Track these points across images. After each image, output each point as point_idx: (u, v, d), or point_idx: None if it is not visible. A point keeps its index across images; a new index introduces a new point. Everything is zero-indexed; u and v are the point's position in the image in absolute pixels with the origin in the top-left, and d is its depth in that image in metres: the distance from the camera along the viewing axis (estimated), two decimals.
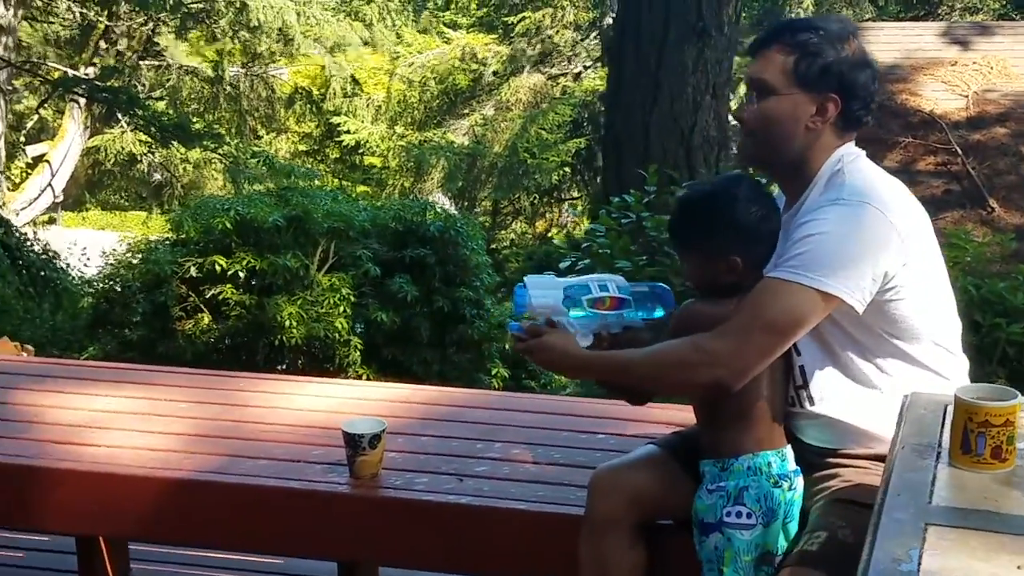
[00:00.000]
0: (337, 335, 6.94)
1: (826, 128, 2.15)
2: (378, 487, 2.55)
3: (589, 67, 19.54)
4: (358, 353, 7.05)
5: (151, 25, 18.25)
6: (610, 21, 19.49)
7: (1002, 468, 1.66)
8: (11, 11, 15.97)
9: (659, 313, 2.29)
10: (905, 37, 9.78)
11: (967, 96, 8.54)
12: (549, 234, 19.27)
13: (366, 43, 21.56)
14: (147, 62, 18.81)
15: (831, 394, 2.15)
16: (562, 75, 19.63)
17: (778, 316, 2.03)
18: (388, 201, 11.47)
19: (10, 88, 17.32)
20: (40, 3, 17.19)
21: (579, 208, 19.80)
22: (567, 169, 18.63)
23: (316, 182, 8.51)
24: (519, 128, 17.80)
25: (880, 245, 2.03)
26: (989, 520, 1.51)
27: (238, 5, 18.62)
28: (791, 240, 2.08)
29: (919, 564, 1.37)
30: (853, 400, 2.15)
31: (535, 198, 19.11)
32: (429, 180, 18.40)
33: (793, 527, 2.17)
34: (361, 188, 19.81)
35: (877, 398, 2.13)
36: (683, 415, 2.59)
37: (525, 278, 2.27)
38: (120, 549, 3.15)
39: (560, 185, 19.45)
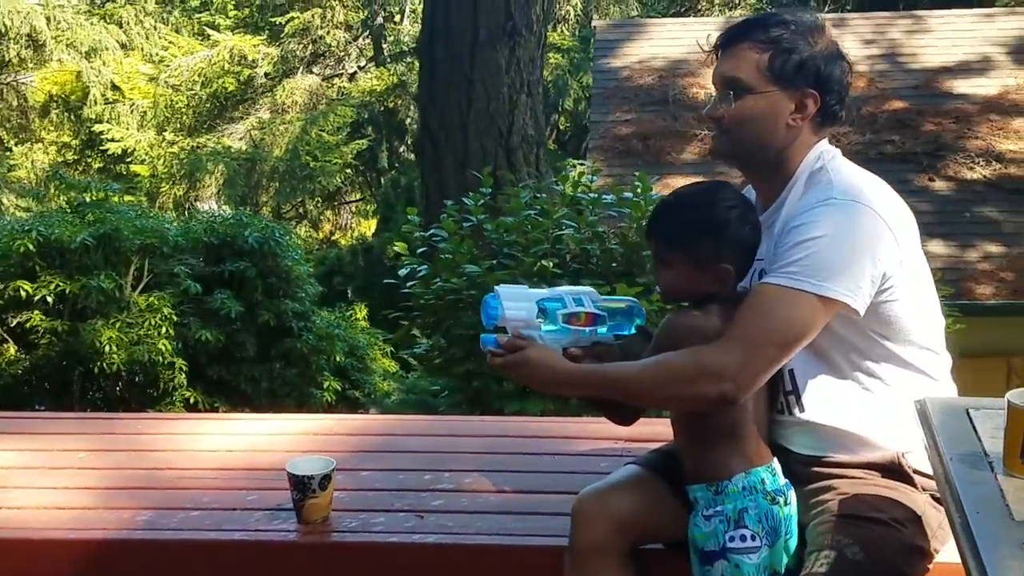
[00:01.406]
0: (160, 359, 6.53)
1: (805, 125, 2.10)
2: (332, 531, 2.38)
3: (363, 67, 19.34)
4: (183, 376, 6.65)
5: None
6: (380, 21, 19.38)
7: None
8: None
9: (630, 330, 2.20)
10: (688, 33, 10.14)
11: None
12: (334, 237, 18.97)
13: (124, 47, 20.58)
14: None
15: (821, 399, 2.09)
16: (336, 76, 19.37)
17: (785, 326, 1.96)
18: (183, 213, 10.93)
19: None
20: None
21: (371, 210, 19.55)
22: (349, 171, 18.38)
23: (127, 197, 7.95)
24: (299, 131, 17.46)
25: (877, 245, 1.98)
26: None
27: None
28: (784, 244, 2.02)
29: None
30: (842, 404, 2.09)
31: (319, 202, 18.77)
32: (205, 187, 17.78)
33: (793, 543, 2.10)
34: (128, 198, 18.88)
35: (867, 402, 2.08)
36: (636, 429, 2.51)
37: (498, 288, 2.13)
38: None
39: (342, 188, 19.19)
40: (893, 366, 2.09)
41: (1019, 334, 7.87)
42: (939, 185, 8.60)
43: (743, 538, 2.04)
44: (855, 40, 9.75)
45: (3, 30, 17.89)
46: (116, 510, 2.49)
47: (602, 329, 2.16)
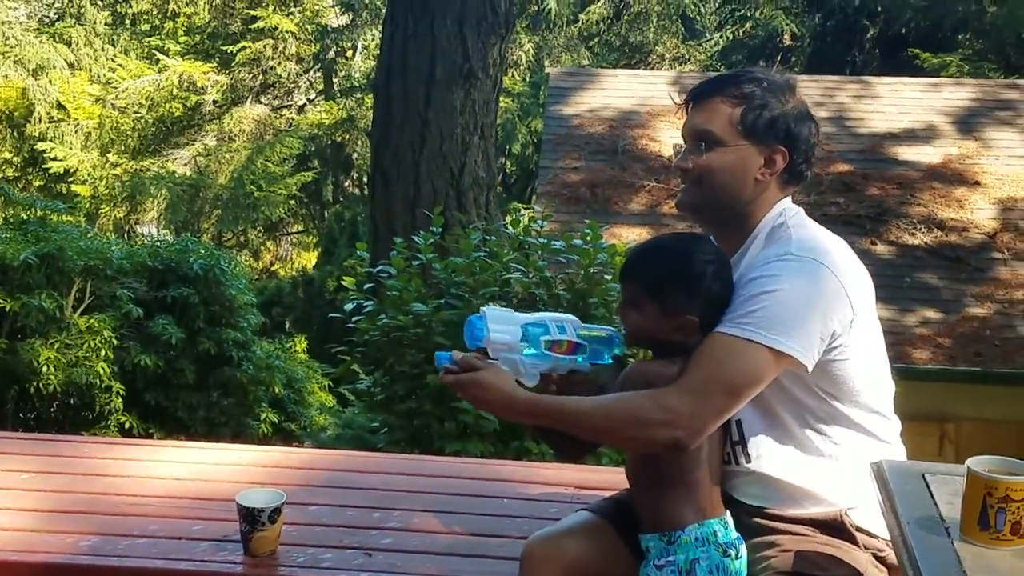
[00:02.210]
0: (97, 382, 6.44)
1: (772, 181, 2.14)
2: (279, 565, 2.37)
3: (313, 99, 19.32)
4: (120, 400, 6.57)
5: None
6: (332, 55, 19.40)
7: (1020, 544, 1.62)
8: None
9: (608, 361, 2.21)
10: (640, 85, 10.30)
11: None
12: (273, 267, 18.84)
13: (72, 66, 20.37)
14: None
15: (767, 451, 2.11)
16: (285, 107, 19.33)
17: (735, 376, 1.98)
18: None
19: None
20: None
21: (313, 242, 19.45)
22: (293, 203, 18.29)
23: (65, 216, 7.84)
24: (244, 160, 17.35)
25: (830, 305, 2.01)
26: None
27: None
28: (741, 296, 2.04)
29: None
30: (789, 458, 2.10)
31: (260, 231, 18.63)
32: (146, 211, 17.60)
33: None
34: (67, 219, 18.62)
35: (812, 456, 2.10)
36: (587, 476, 2.54)
37: (485, 310, 2.13)
38: None
39: (285, 219, 19.08)
40: (840, 425, 2.11)
41: (953, 400, 7.98)
42: (881, 249, 8.72)
43: None
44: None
45: None
46: (60, 534, 2.45)
47: (581, 358, 2.17)
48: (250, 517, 2.35)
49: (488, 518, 2.59)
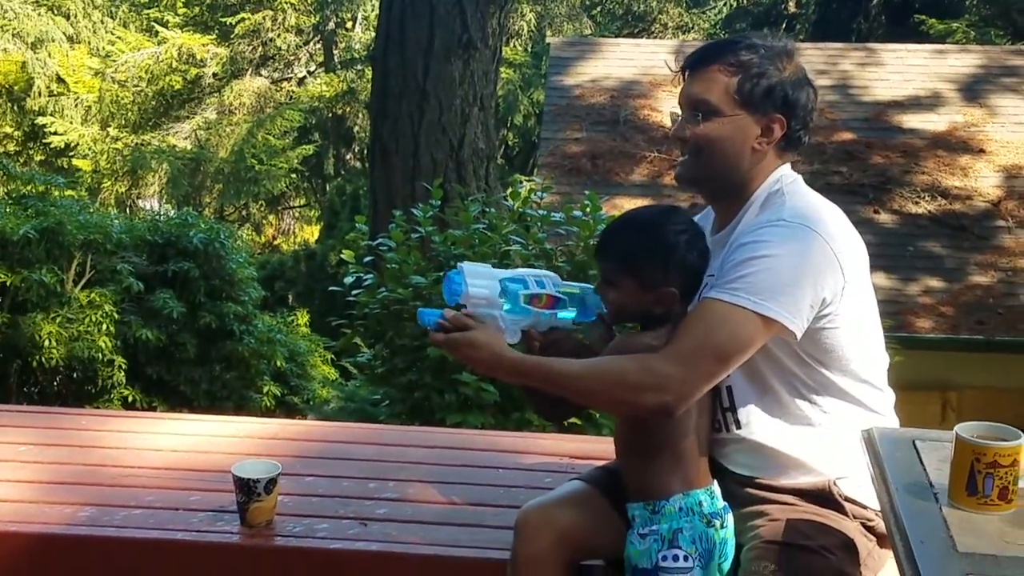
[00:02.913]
0: (99, 356, 6.46)
1: (769, 149, 2.12)
2: (275, 535, 2.38)
3: (313, 72, 19.27)
4: (122, 374, 6.59)
5: None
6: (332, 27, 19.32)
7: (1007, 509, 1.62)
8: None
9: (591, 317, 2.20)
10: (641, 54, 10.25)
11: None
12: (276, 242, 18.85)
13: (71, 39, 20.32)
14: None
15: (757, 418, 2.11)
16: (285, 80, 19.29)
17: (725, 342, 1.97)
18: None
19: None
20: None
21: (315, 216, 19.45)
22: (294, 176, 18.28)
23: (67, 191, 7.84)
24: (245, 133, 17.35)
25: (821, 272, 2.00)
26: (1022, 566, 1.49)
27: None
28: (731, 261, 2.03)
29: None
30: (779, 427, 2.10)
31: (262, 206, 18.64)
32: (147, 185, 17.61)
33: (727, 566, 2.11)
34: (69, 193, 18.64)
35: (802, 425, 2.10)
36: (582, 446, 2.55)
37: (462, 265, 2.11)
38: None
39: (286, 193, 19.07)
40: (830, 395, 2.11)
41: (956, 369, 8.00)
42: (884, 218, 8.71)
43: (676, 558, 2.06)
44: (807, 69, 9.87)
45: None
46: (58, 505, 2.47)
47: (562, 313, 2.16)
48: (246, 488, 2.37)
49: (484, 488, 2.60)
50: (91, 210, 7.64)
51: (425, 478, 2.66)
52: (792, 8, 18.97)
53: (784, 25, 18.41)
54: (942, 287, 8.26)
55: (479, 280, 2.09)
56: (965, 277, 8.27)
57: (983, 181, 8.97)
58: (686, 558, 2.06)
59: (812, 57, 10.43)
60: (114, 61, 19.25)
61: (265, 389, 7.27)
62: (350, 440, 2.88)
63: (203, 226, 7.31)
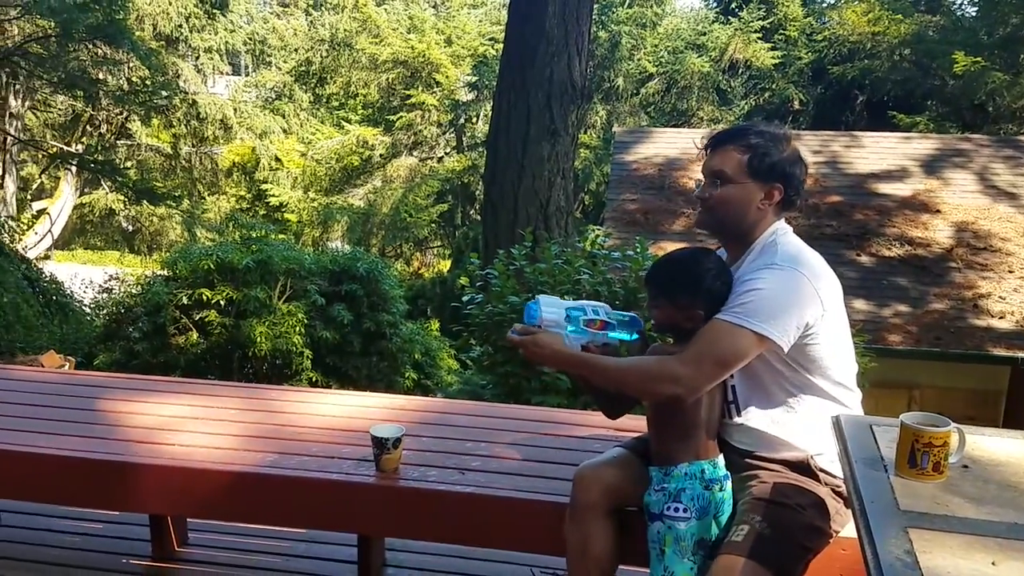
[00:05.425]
0: (293, 348, 6.59)
1: (770, 209, 2.06)
2: (399, 479, 2.35)
3: (448, 152, 19.51)
4: (309, 362, 6.71)
5: (124, 114, 17.30)
6: (462, 122, 19.53)
7: (940, 479, 1.60)
8: (19, 102, 14.95)
9: (634, 337, 2.16)
10: (681, 139, 10.09)
11: None
12: (420, 271, 19.05)
13: (285, 131, 20.98)
14: (122, 141, 17.79)
15: (753, 410, 2.05)
16: (429, 158, 19.56)
17: (726, 351, 1.93)
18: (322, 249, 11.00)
19: (19, 159, 16.08)
20: (41, 97, 16.04)
21: (447, 253, 19.64)
22: (434, 225, 18.50)
23: (272, 235, 8.05)
24: (400, 195, 17.63)
25: (805, 302, 1.93)
26: (950, 523, 1.45)
27: (190, 101, 17.89)
28: (735, 292, 1.98)
29: (918, 562, 1.30)
30: (770, 416, 2.04)
31: (411, 246, 18.89)
32: (333, 232, 18.02)
33: (724, 519, 2.04)
34: (280, 237, 19.21)
35: (788, 414, 2.03)
36: (624, 422, 2.46)
37: (539, 296, 2.12)
38: (181, 523, 2.83)
39: (428, 237, 19.30)
40: (811, 393, 2.03)
41: (918, 372, 7.76)
42: (864, 259, 8.44)
43: (676, 509, 2.01)
44: (806, 150, 9.56)
45: (205, 116, 18.34)
46: (252, 452, 2.49)
47: (612, 334, 2.13)
48: (379, 444, 2.35)
49: (550, 450, 2.53)
50: (293, 248, 7.82)
51: (507, 441, 2.61)
52: (796, 106, 18.54)
53: (790, 118, 18.01)
54: (908, 311, 7.94)
55: (550, 308, 2.09)
56: (926, 304, 7.94)
57: (939, 233, 8.61)
58: (685, 511, 2.01)
59: (810, 141, 10.18)
60: (313, 146, 19.81)
61: (407, 375, 7.31)
62: (455, 411, 2.85)
63: (367, 260, 7.41)
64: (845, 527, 2.02)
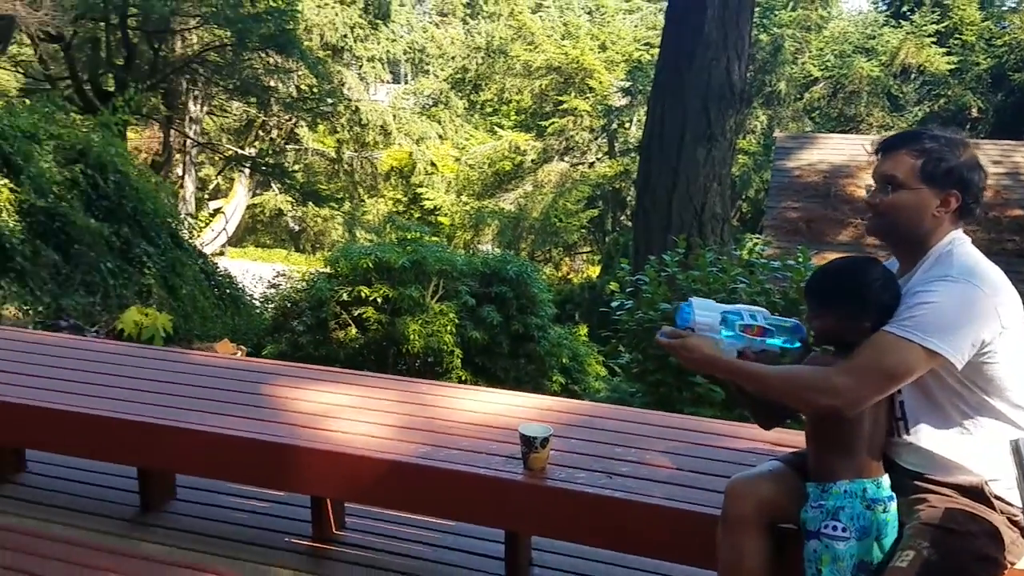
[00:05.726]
0: (444, 347, 6.76)
1: (946, 217, 1.93)
2: (546, 478, 2.34)
3: (600, 158, 19.48)
4: (459, 361, 6.86)
5: (293, 121, 18.38)
6: (614, 127, 19.43)
7: None
8: (197, 107, 16.13)
9: (796, 345, 2.04)
10: (848, 145, 9.64)
11: None
12: (569, 276, 19.11)
13: (440, 137, 21.61)
14: (290, 146, 18.94)
15: (924, 428, 1.91)
16: (580, 164, 19.59)
17: (892, 366, 1.81)
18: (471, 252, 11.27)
19: (197, 161, 17.48)
20: (218, 103, 17.31)
21: (597, 259, 19.64)
22: (583, 230, 18.50)
23: (432, 238, 8.32)
24: (550, 201, 17.75)
25: (981, 317, 1.80)
26: None
27: (353, 108, 18.75)
28: (906, 304, 1.86)
29: None
30: (942, 435, 1.90)
31: (560, 251, 18.98)
32: (484, 236, 18.37)
33: (888, 542, 1.91)
34: (433, 239, 19.79)
35: (964, 437, 1.89)
36: (781, 436, 2.37)
37: (692, 299, 2.03)
38: (339, 507, 2.96)
39: (577, 242, 19.33)
40: (988, 414, 1.88)
41: None
42: None
43: (835, 528, 1.91)
44: (985, 160, 8.86)
45: (367, 122, 19.20)
46: (405, 442, 2.56)
47: (770, 340, 2.02)
48: (528, 442, 2.37)
49: (703, 460, 2.46)
50: (445, 250, 8.02)
51: (659, 449, 2.54)
52: (975, 113, 17.24)
53: (968, 126, 16.76)
54: None
55: (704, 311, 2.00)
56: None
57: None
58: (844, 530, 1.90)
59: (989, 150, 9.44)
60: (467, 151, 20.31)
61: (554, 378, 7.32)
62: (604, 416, 2.82)
63: (517, 263, 7.50)
64: (1022, 559, 1.87)
